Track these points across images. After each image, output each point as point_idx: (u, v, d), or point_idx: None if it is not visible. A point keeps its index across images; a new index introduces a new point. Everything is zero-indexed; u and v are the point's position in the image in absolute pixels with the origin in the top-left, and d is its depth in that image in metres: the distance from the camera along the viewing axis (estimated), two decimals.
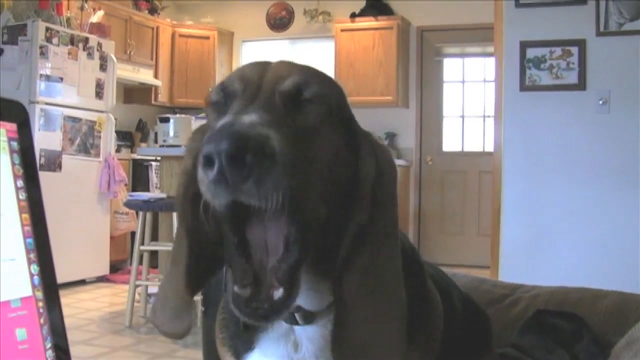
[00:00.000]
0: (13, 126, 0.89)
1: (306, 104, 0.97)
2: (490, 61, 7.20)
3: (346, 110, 1.06)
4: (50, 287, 0.88)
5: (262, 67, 1.03)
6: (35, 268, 0.86)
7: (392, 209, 1.05)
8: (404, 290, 1.03)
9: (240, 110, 0.91)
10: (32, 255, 0.86)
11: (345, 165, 1.01)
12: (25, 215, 0.87)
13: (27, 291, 0.85)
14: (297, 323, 1.08)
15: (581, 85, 4.56)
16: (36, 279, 0.86)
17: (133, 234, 6.61)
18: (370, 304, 1.01)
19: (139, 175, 7.99)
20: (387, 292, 1.02)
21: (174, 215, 4.92)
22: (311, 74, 1.01)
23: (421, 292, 1.21)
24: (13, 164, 0.87)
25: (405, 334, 1.02)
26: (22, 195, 0.87)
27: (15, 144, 0.88)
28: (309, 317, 1.07)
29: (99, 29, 7.18)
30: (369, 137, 1.07)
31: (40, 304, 0.86)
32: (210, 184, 0.83)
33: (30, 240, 0.86)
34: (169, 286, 1.11)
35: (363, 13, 8.85)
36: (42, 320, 0.85)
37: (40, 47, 6.24)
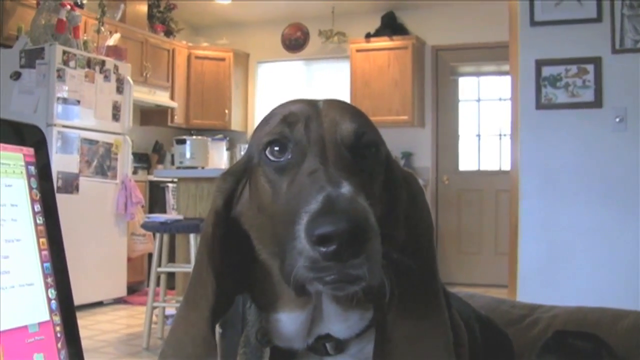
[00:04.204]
0: (30, 150, 0.89)
1: (365, 152, 1.01)
2: (506, 79, 7.20)
3: (385, 144, 1.09)
4: (67, 311, 0.88)
5: (314, 110, 1.04)
6: (52, 292, 0.86)
7: (429, 230, 1.08)
8: (444, 305, 1.06)
9: (326, 174, 0.91)
10: (49, 280, 0.86)
11: (388, 197, 1.06)
12: (43, 240, 0.87)
13: (45, 316, 0.84)
14: (327, 354, 1.07)
15: (597, 103, 4.53)
16: (54, 303, 0.86)
17: (150, 255, 6.63)
18: (414, 320, 1.03)
19: (155, 197, 8.01)
20: (430, 307, 1.05)
21: (191, 236, 4.93)
22: (363, 119, 1.05)
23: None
24: (31, 188, 0.87)
25: (450, 351, 1.04)
26: (40, 220, 0.87)
27: (32, 168, 0.88)
28: (339, 347, 1.06)
29: (116, 51, 7.23)
30: (397, 163, 1.12)
31: (58, 328, 0.86)
32: (321, 260, 0.83)
33: (47, 264, 0.86)
34: (185, 331, 1.05)
35: (378, 33, 8.88)
36: (59, 345, 0.85)
37: (58, 71, 6.29)
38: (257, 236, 1.04)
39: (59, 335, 0.85)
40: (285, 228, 0.89)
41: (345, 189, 0.86)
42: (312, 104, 1.06)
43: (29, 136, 0.90)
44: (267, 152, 1.01)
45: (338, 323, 1.04)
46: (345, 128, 1.01)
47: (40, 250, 0.86)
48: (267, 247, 1.02)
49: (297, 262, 0.85)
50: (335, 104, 1.06)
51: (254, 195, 1.04)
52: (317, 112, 1.03)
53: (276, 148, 1.00)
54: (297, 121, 1.01)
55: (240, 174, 1.09)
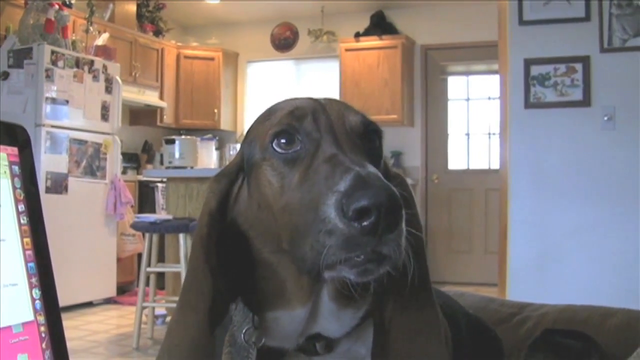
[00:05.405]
0: (14, 150, 0.88)
1: (369, 144, 1.04)
2: (495, 79, 7.21)
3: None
4: (52, 311, 0.87)
5: (318, 104, 1.05)
6: (37, 292, 0.85)
7: (418, 227, 1.07)
8: (436, 300, 1.09)
9: (347, 158, 0.92)
10: (34, 280, 0.85)
11: None
12: (27, 240, 0.86)
13: (29, 316, 0.84)
14: (316, 353, 1.07)
15: (586, 101, 4.55)
16: (38, 303, 0.85)
17: (140, 255, 6.61)
18: (411, 316, 1.05)
19: (145, 197, 8.00)
20: (425, 302, 1.08)
21: (181, 236, 4.92)
22: (362, 112, 1.08)
23: None
24: (14, 188, 0.87)
25: (444, 343, 1.07)
26: (24, 220, 0.87)
27: (16, 168, 0.88)
28: (328, 346, 1.07)
29: (105, 51, 7.21)
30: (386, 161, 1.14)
31: (43, 328, 0.85)
32: (358, 235, 0.83)
33: (31, 264, 0.86)
34: (182, 335, 1.02)
35: (367, 32, 8.88)
36: (44, 345, 0.85)
37: (46, 70, 6.27)
38: (258, 235, 1.04)
39: (43, 335, 0.85)
40: (305, 214, 0.89)
41: (371, 168, 0.87)
42: (314, 99, 1.07)
43: (13, 136, 0.89)
44: (274, 144, 1.00)
45: (332, 322, 1.04)
46: (353, 119, 1.04)
47: (24, 250, 0.85)
48: (269, 245, 1.02)
49: (326, 243, 0.84)
50: (335, 100, 1.09)
51: (255, 193, 1.03)
52: (322, 106, 1.04)
53: (283, 140, 1.00)
54: (305, 114, 1.01)
55: (234, 175, 1.08)
